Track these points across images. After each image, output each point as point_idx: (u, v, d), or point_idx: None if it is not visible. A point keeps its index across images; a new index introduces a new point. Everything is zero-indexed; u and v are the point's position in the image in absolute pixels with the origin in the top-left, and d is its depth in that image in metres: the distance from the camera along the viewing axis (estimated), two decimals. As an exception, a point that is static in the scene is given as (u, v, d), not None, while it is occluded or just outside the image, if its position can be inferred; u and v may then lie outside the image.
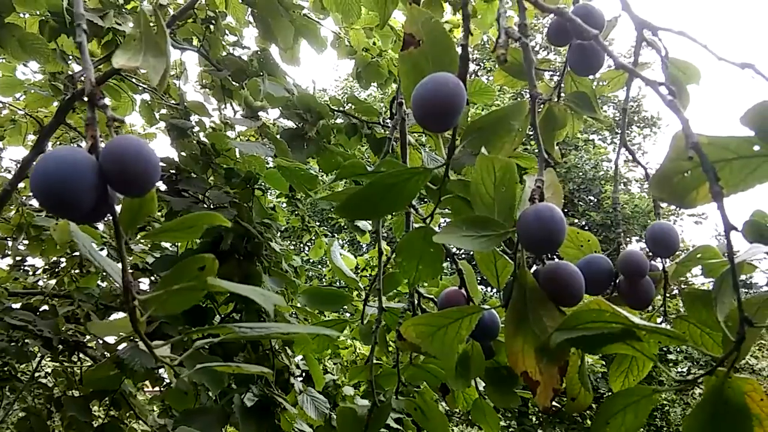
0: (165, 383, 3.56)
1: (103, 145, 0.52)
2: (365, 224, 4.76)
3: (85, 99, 0.51)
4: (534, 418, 13.54)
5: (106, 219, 0.54)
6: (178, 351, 2.45)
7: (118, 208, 0.53)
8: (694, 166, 0.62)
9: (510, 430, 12.89)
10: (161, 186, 2.99)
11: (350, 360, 4.98)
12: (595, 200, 17.70)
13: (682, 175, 0.63)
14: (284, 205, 5.01)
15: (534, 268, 0.82)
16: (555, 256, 0.97)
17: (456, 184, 0.86)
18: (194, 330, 0.64)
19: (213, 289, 0.53)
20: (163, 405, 4.14)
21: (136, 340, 2.64)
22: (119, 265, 0.59)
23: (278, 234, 3.29)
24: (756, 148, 0.59)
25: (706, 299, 0.95)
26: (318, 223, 5.35)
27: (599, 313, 0.67)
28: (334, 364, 5.04)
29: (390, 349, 1.17)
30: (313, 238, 5.35)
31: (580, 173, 17.57)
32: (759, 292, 0.96)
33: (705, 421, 0.66)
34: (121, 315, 3.97)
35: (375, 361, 1.15)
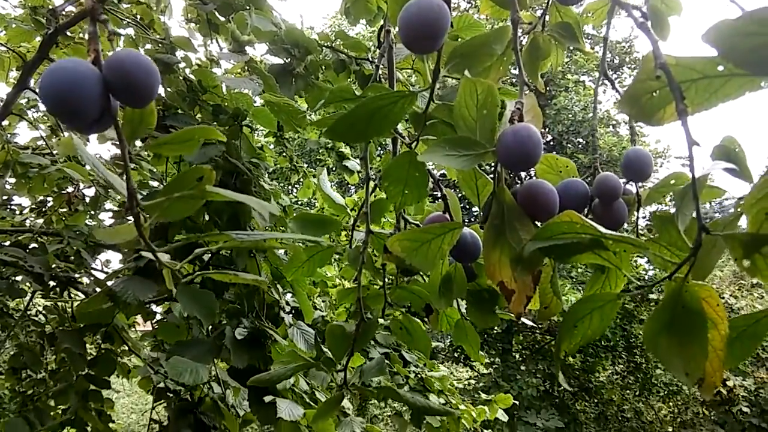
0: (157, 320, 3.63)
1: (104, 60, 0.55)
2: (353, 164, 4.78)
3: (87, 16, 0.53)
4: (517, 355, 13.94)
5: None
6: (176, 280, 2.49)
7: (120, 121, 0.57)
8: (661, 86, 0.66)
9: (494, 366, 13.29)
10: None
11: (338, 299, 5.07)
12: (584, 143, 17.72)
13: (650, 95, 0.67)
14: (272, 146, 5.01)
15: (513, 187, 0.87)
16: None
17: (441, 109, 0.90)
18: (193, 236, 0.67)
19: (210, 196, 0.57)
20: (155, 340, 4.23)
21: (128, 274, 2.69)
22: (124, 184, 0.63)
23: (266, 174, 3.31)
24: (720, 68, 0.63)
25: (675, 221, 1.00)
26: (306, 165, 5.36)
27: (570, 224, 0.72)
28: (323, 301, 5.14)
29: (377, 266, 1.23)
30: (302, 178, 5.37)
31: (570, 115, 17.52)
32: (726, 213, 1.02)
33: (664, 324, 0.72)
34: (112, 253, 4.01)
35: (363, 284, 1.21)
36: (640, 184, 1.03)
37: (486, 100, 0.78)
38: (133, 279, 2.60)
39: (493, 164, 0.82)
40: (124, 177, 0.58)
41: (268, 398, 2.79)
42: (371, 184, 1.23)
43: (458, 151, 0.77)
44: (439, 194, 1.08)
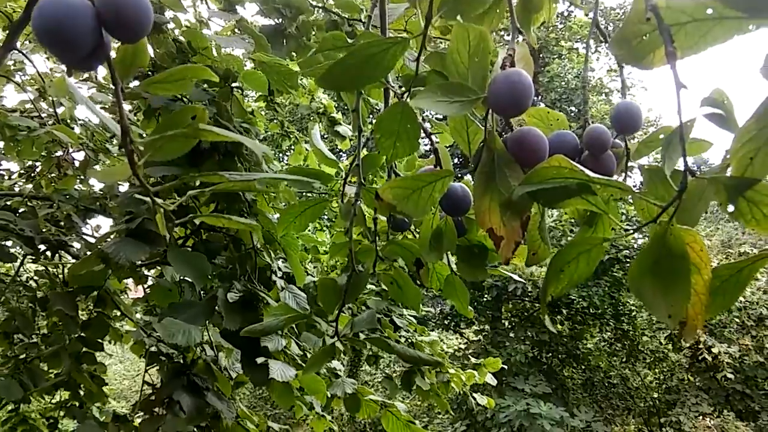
0: (149, 285, 3.64)
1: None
2: (345, 130, 4.77)
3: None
4: (506, 323, 14.10)
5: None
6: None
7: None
8: (651, 30, 0.67)
9: (483, 333, 13.45)
10: (135, 82, 2.97)
11: (330, 265, 5.10)
12: (576, 110, 17.67)
13: (640, 38, 0.68)
14: (264, 112, 4.98)
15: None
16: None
17: (432, 57, 0.90)
18: (188, 176, 0.68)
19: (204, 135, 0.58)
20: (147, 305, 4.24)
21: (119, 236, 2.69)
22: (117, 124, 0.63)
23: (257, 140, 3.29)
24: (709, 11, 0.64)
25: (663, 175, 1.02)
26: (297, 131, 5.34)
27: (559, 169, 0.73)
28: (314, 267, 5.17)
29: (369, 220, 1.24)
30: (293, 145, 5.35)
31: (563, 83, 17.45)
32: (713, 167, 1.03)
33: (648, 267, 0.74)
34: (103, 218, 3.98)
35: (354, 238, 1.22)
36: (629, 136, 1.04)
37: (478, 47, 0.78)
38: (124, 241, 2.59)
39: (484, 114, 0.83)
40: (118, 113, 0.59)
41: (260, 360, 2.81)
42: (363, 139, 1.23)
43: (450, 97, 0.78)
44: (429, 143, 1.08)
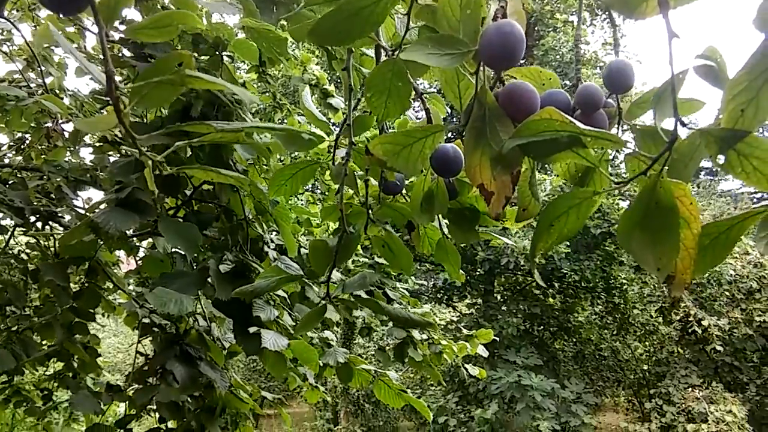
0: (141, 257, 3.64)
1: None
2: (338, 102, 4.73)
3: None
4: (499, 296, 14.20)
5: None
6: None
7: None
8: (645, -22, 0.66)
9: (476, 306, 13.55)
10: (126, 52, 2.93)
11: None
12: (571, 84, 17.57)
13: (633, -13, 0.67)
14: (256, 85, 4.93)
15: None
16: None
17: (424, 12, 0.88)
18: (173, 126, 0.67)
19: (190, 82, 0.57)
20: (140, 277, 4.24)
21: (109, 206, 2.67)
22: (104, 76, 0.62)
23: (249, 113, 3.26)
24: (703, -42, 0.63)
25: (655, 134, 1.01)
26: (290, 104, 5.30)
27: (549, 122, 0.73)
28: (307, 240, 5.17)
29: (360, 181, 1.24)
30: (285, 117, 5.31)
31: (557, 56, 17.34)
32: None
33: (637, 221, 0.74)
34: (92, 190, 3.97)
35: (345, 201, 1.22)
36: (622, 97, 1.03)
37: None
38: (114, 210, 2.58)
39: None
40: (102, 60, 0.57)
41: (252, 329, 2.82)
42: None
43: (441, 49, 0.77)
44: (419, 98, 1.07)
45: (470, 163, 0.82)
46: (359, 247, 4.91)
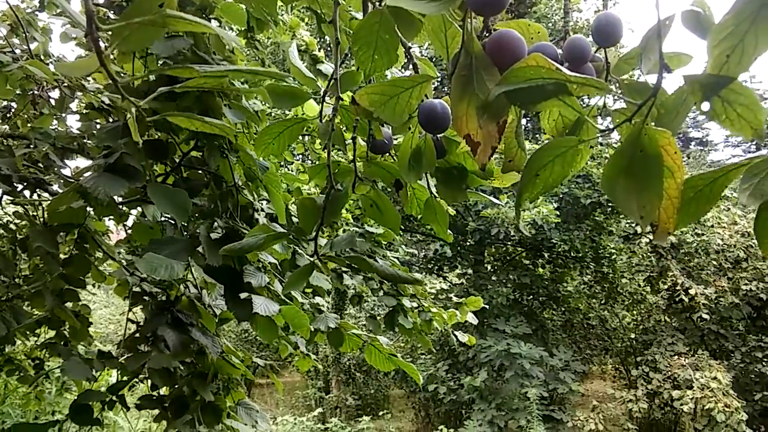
0: (131, 225, 3.63)
1: None
2: (327, 68, 4.69)
3: None
4: (489, 267, 14.30)
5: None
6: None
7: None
8: None
9: (466, 276, 13.64)
10: (112, 16, 2.89)
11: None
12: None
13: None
14: (246, 52, 4.87)
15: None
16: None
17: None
18: (157, 68, 0.66)
19: (172, 23, 0.56)
20: (130, 246, 4.23)
21: (97, 172, 2.65)
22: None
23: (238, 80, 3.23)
24: None
25: (642, 89, 1.01)
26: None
27: (536, 69, 0.72)
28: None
29: (347, 139, 1.23)
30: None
31: (549, 24, 17.20)
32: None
33: (622, 168, 0.74)
34: (80, 159, 3.95)
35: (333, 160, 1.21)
36: (610, 49, 1.03)
37: (457, -54, 0.76)
38: (103, 176, 2.56)
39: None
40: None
41: (243, 295, 2.83)
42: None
43: (428, -5, 0.76)
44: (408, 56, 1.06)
45: (456, 113, 0.82)
46: (350, 217, 4.91)
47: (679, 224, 0.88)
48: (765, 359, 12.98)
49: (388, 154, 1.32)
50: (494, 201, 1.30)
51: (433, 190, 1.35)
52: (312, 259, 1.21)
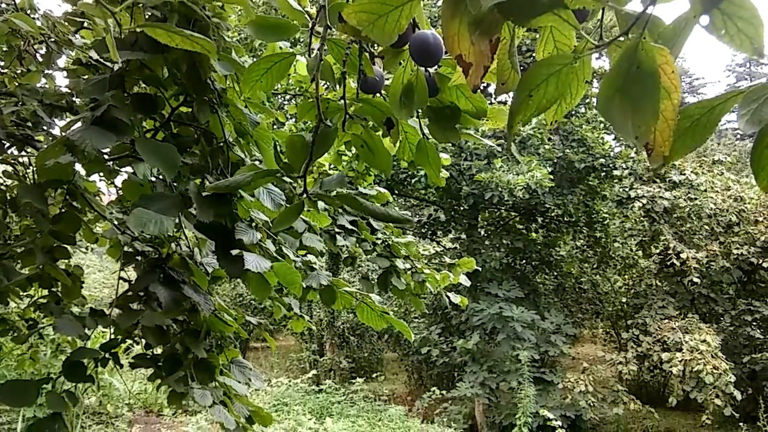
0: (121, 183, 3.60)
1: None
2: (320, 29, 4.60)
3: None
4: (482, 231, 14.34)
5: None
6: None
7: None
8: None
9: (460, 241, 13.68)
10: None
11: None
12: None
13: None
14: (238, 11, 4.77)
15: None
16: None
17: None
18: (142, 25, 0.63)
19: None
20: (121, 207, 4.21)
21: (85, 125, 2.61)
22: None
23: (227, 33, 3.16)
24: None
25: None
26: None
27: (531, -19, 0.70)
28: (290, 168, 5.11)
29: (336, 75, 1.20)
30: (265, 42, 5.16)
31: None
32: None
33: (618, 87, 0.72)
34: (69, 118, 3.90)
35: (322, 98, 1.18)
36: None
37: None
38: (90, 129, 2.52)
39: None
40: None
41: (235, 252, 2.82)
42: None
43: None
44: None
45: (448, 32, 0.79)
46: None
47: (675, 155, 0.86)
48: (754, 323, 13.15)
49: (379, 94, 1.30)
50: (486, 142, 1.28)
51: (426, 131, 1.32)
52: (301, 197, 1.18)
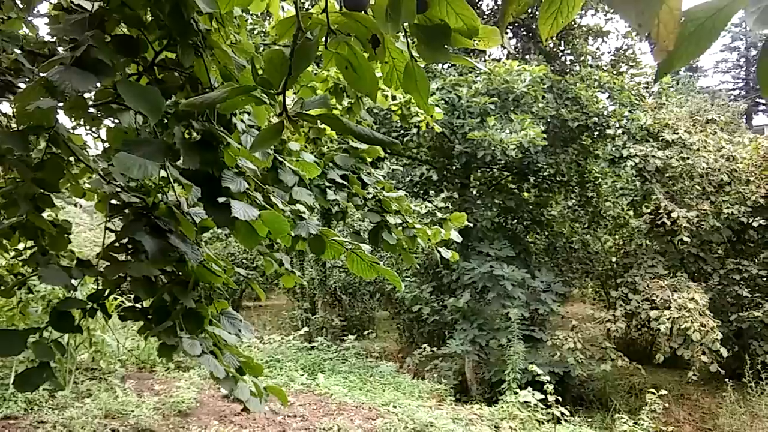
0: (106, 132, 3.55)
1: None
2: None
3: None
4: (474, 191, 14.31)
5: None
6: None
7: None
8: None
9: (452, 200, 13.66)
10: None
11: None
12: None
13: None
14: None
15: None
16: None
17: None
18: None
19: None
20: (107, 159, 4.14)
21: (64, 66, 2.52)
22: None
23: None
24: None
25: None
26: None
27: None
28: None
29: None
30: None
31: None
32: None
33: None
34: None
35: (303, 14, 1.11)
36: None
37: None
38: (70, 70, 2.43)
39: None
40: None
41: (221, 200, 2.77)
42: None
43: None
44: None
45: None
46: (334, 134, 4.78)
47: (677, 63, 0.81)
48: (742, 281, 13.28)
49: (364, 13, 1.23)
50: (476, 64, 1.22)
51: (414, 53, 1.26)
52: (281, 117, 1.12)
